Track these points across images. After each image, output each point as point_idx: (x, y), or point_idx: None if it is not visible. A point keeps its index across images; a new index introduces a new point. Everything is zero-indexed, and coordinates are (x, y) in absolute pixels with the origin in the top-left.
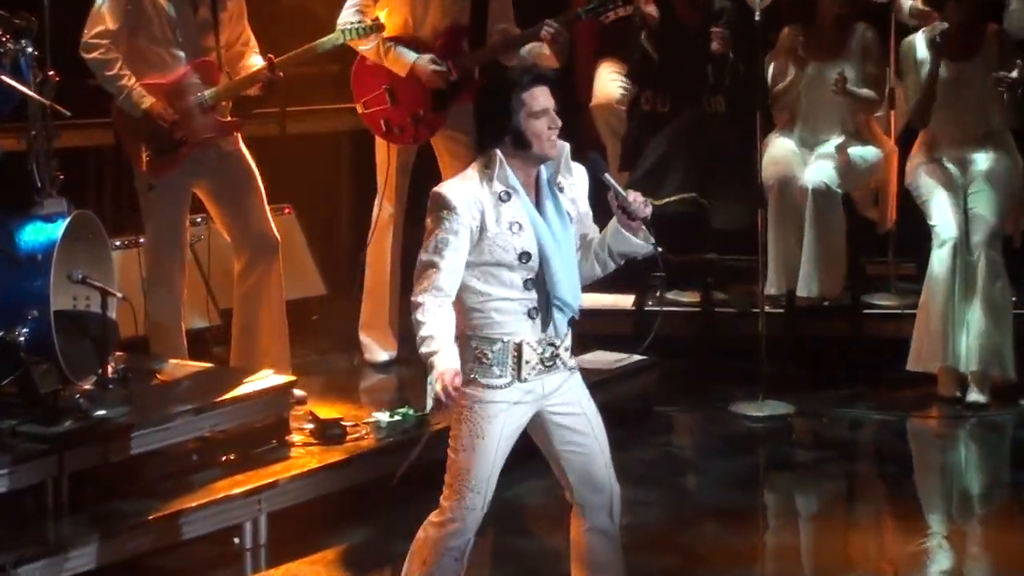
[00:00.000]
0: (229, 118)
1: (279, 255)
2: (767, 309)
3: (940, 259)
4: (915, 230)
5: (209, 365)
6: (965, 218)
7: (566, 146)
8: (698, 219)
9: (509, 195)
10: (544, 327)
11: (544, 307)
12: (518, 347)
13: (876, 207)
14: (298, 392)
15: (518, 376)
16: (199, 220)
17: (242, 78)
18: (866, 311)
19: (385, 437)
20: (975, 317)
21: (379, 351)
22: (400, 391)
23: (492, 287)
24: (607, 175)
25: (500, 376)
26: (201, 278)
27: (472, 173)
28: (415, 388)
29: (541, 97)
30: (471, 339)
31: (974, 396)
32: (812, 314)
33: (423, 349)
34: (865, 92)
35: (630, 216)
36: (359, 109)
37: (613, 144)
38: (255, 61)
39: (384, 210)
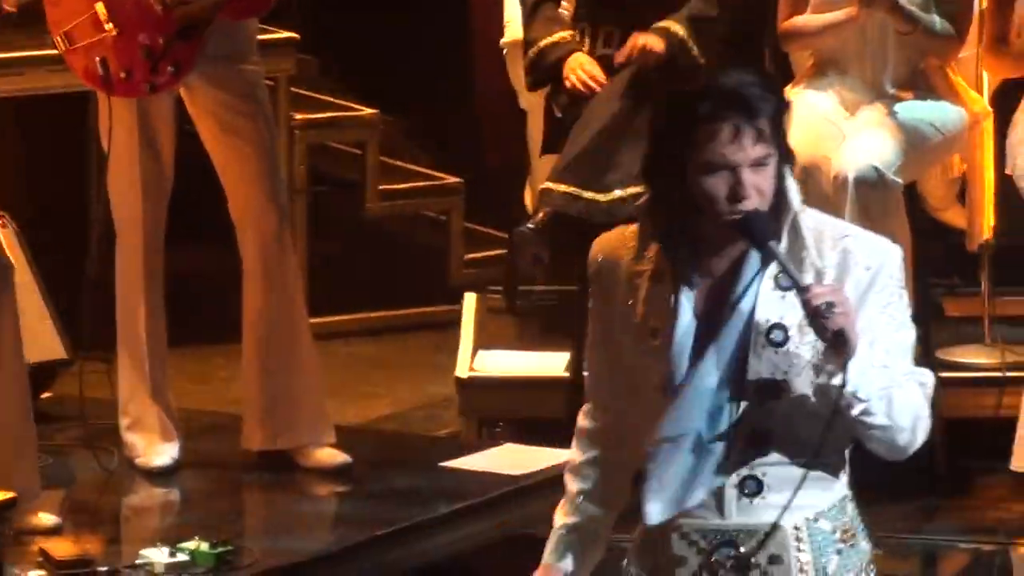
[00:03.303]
0: None
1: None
2: None
3: None
4: None
5: None
6: None
7: (796, 198)
8: None
9: (662, 279)
10: (721, 509)
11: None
12: (666, 536)
13: (960, 207)
14: (46, 517)
15: None
16: None
17: None
18: (944, 374)
19: None
20: None
21: (152, 449)
22: (186, 513)
23: (641, 421)
24: (775, 244)
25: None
26: None
27: (635, 225)
28: (210, 505)
29: (724, 140)
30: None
31: None
32: None
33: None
34: (930, 19)
35: (817, 323)
36: (60, 45)
37: (536, 111)
38: None
39: (120, 212)
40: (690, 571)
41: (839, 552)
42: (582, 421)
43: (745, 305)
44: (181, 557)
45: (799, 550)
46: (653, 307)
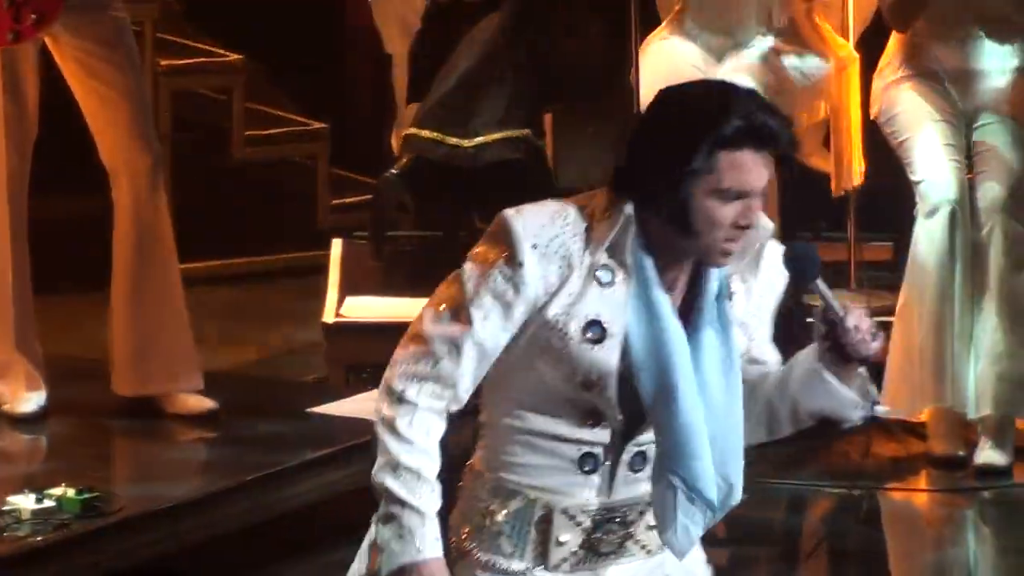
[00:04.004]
0: None
1: None
2: None
3: (930, 236)
4: (890, 190)
5: None
6: (970, 170)
7: (769, 228)
8: (532, 171)
9: (612, 277)
10: (607, 490)
11: (610, 456)
12: (547, 515)
13: (826, 153)
14: None
15: (543, 561)
16: None
17: None
18: (810, 320)
19: (32, 535)
20: (987, 329)
21: (18, 397)
22: (53, 460)
23: (527, 410)
24: (821, 282)
25: (512, 554)
26: None
27: (576, 209)
28: (77, 452)
29: (748, 169)
30: (477, 482)
31: (988, 456)
32: None
33: (392, 484)
34: None
35: (844, 353)
36: None
37: (402, 57)
38: None
39: None
40: (569, 550)
41: None
42: (429, 399)
43: (723, 318)
44: (48, 503)
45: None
46: (600, 308)
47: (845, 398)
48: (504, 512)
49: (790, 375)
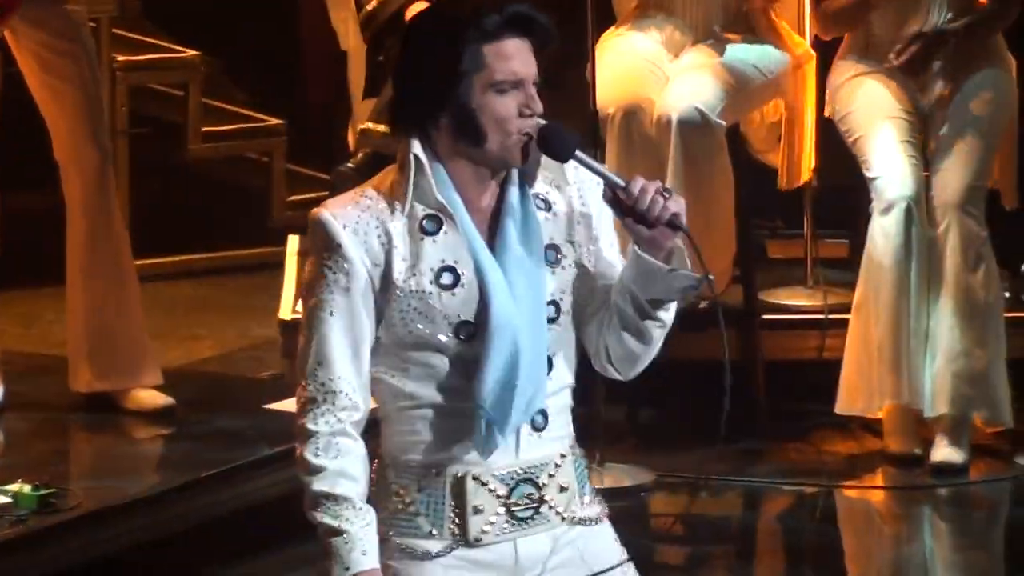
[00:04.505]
0: None
1: None
2: None
3: (886, 233)
4: (846, 187)
5: None
6: (926, 166)
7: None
8: None
9: (438, 223)
10: (513, 451)
11: (505, 413)
12: (459, 484)
13: (782, 149)
14: None
15: (463, 536)
16: None
17: None
18: (767, 316)
19: None
20: (943, 328)
21: None
22: (10, 455)
23: (416, 384)
24: (582, 154)
25: (432, 534)
26: None
27: (372, 187)
28: (34, 448)
29: (516, 56)
30: (386, 469)
31: (944, 454)
32: (680, 323)
33: (319, 517)
34: None
35: (645, 220)
36: None
37: (357, 54)
38: None
39: None
40: (486, 519)
41: (586, 468)
42: (325, 422)
43: (527, 231)
44: (3, 499)
45: (573, 476)
46: (443, 254)
47: (665, 272)
48: (417, 491)
49: (624, 273)
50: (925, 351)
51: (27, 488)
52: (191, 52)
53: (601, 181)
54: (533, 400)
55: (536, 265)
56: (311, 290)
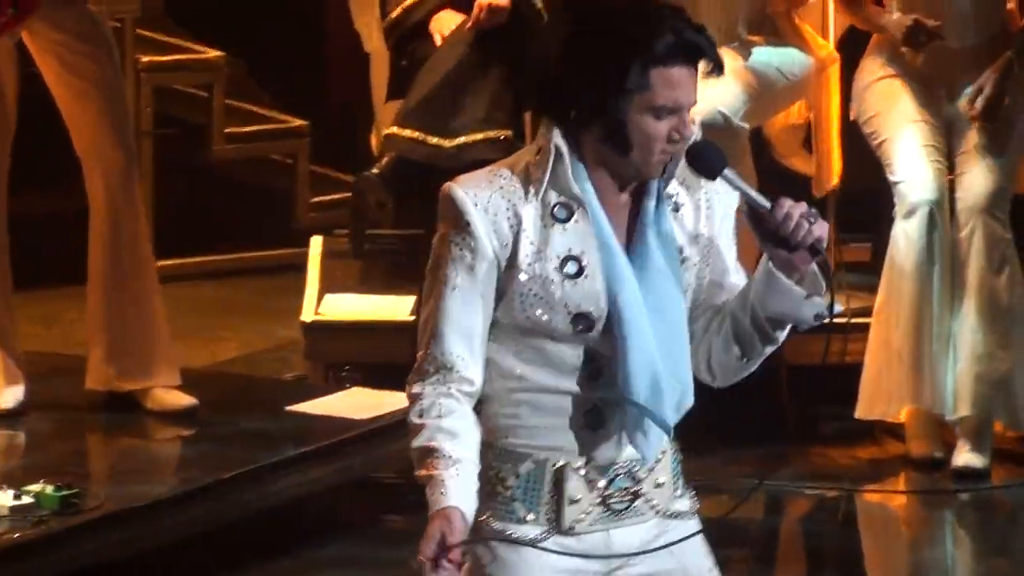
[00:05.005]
0: None
1: None
2: None
3: (908, 237)
4: (870, 191)
5: None
6: (951, 171)
7: (697, 132)
8: None
9: (569, 212)
10: (616, 445)
11: (619, 412)
12: (559, 474)
13: (806, 154)
14: None
15: (557, 524)
16: None
17: None
18: None
19: (10, 531)
20: (967, 331)
21: None
22: (31, 456)
23: (527, 367)
24: (731, 172)
25: (527, 519)
26: None
27: (507, 167)
28: (55, 448)
29: (681, 85)
30: (488, 446)
31: (966, 459)
32: None
33: (420, 471)
34: None
35: (786, 243)
36: None
37: (381, 57)
38: None
39: None
40: (582, 509)
41: (680, 463)
42: (432, 388)
43: (662, 238)
44: (26, 500)
45: (669, 471)
46: (570, 243)
47: (798, 295)
48: (515, 476)
49: (750, 285)
50: (948, 355)
51: (49, 489)
52: (215, 53)
53: (744, 203)
54: (683, 400)
55: (674, 272)
56: (437, 264)
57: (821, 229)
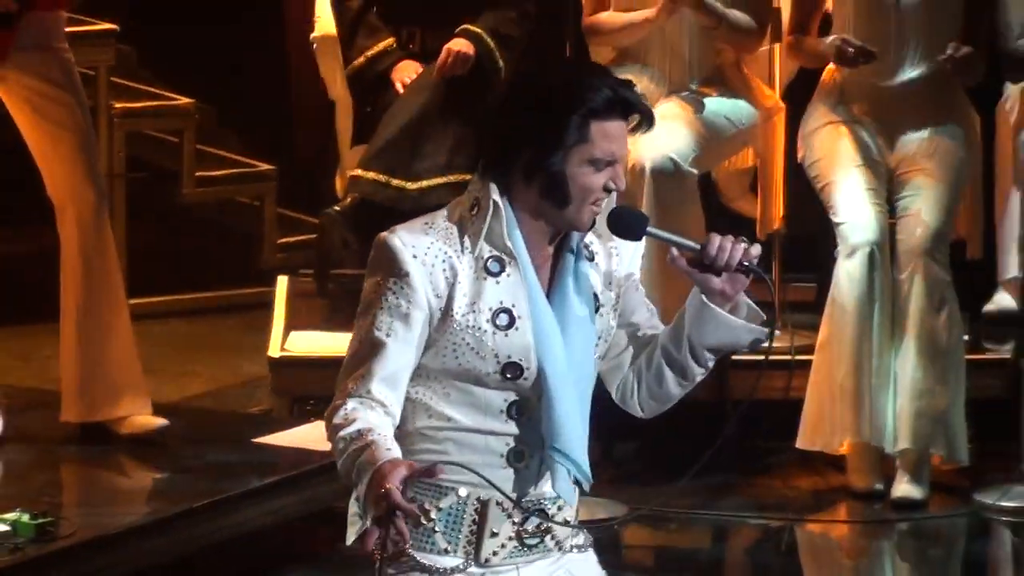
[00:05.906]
0: None
1: None
2: None
3: (850, 276)
4: (814, 232)
5: None
6: (892, 215)
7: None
8: None
9: (501, 265)
10: (532, 482)
11: (537, 451)
12: (482, 508)
13: (752, 197)
14: None
15: (476, 556)
16: None
17: None
18: (734, 357)
19: None
20: (907, 368)
21: None
22: (8, 485)
23: (454, 409)
24: (653, 228)
25: (447, 551)
26: None
27: (442, 219)
28: (32, 478)
29: (618, 138)
30: (407, 484)
31: (905, 490)
32: None
33: (345, 449)
34: (735, 15)
35: (721, 269)
36: None
37: (345, 103)
38: None
39: None
40: (499, 543)
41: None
42: (347, 402)
43: (580, 287)
44: (2, 528)
45: (574, 510)
46: (502, 296)
47: (735, 324)
48: (437, 510)
49: (682, 319)
50: (888, 390)
51: (25, 517)
52: (186, 100)
53: (672, 248)
54: (582, 444)
55: (589, 320)
56: (369, 308)
57: (754, 249)
